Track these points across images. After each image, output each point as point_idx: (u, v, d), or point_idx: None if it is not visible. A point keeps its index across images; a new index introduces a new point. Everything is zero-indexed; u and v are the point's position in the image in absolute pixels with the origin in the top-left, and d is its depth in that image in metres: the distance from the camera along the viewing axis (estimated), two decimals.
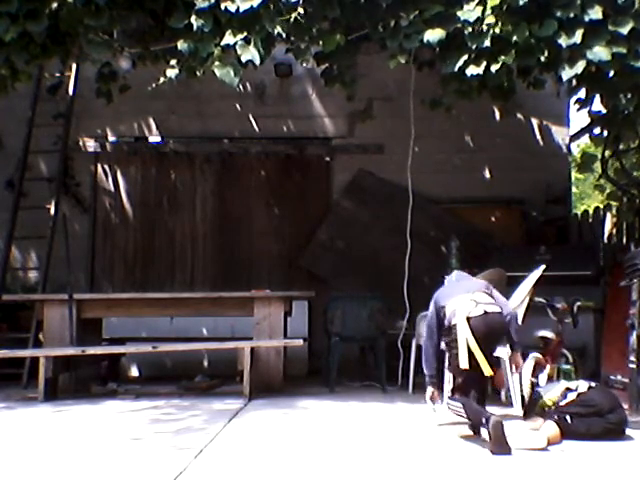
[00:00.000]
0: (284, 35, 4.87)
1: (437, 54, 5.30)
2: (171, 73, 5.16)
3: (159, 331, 7.31)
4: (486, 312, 4.47)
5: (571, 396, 4.43)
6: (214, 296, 6.68)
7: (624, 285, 5.43)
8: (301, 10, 4.82)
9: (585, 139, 7.54)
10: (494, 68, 4.90)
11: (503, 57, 4.85)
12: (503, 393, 5.71)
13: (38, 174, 8.10)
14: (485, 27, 4.79)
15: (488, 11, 4.77)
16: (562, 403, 4.42)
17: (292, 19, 4.82)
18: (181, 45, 5.00)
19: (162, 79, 5.25)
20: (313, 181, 8.58)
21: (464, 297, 4.54)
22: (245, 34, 4.87)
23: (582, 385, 4.51)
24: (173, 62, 5.16)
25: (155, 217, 8.57)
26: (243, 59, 4.88)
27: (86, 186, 8.42)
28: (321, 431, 4.68)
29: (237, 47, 4.87)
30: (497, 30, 4.79)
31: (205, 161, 8.58)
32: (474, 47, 4.87)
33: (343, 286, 7.81)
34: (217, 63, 4.93)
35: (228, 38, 4.89)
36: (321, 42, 5.16)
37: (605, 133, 6.74)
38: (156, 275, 8.44)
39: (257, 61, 4.90)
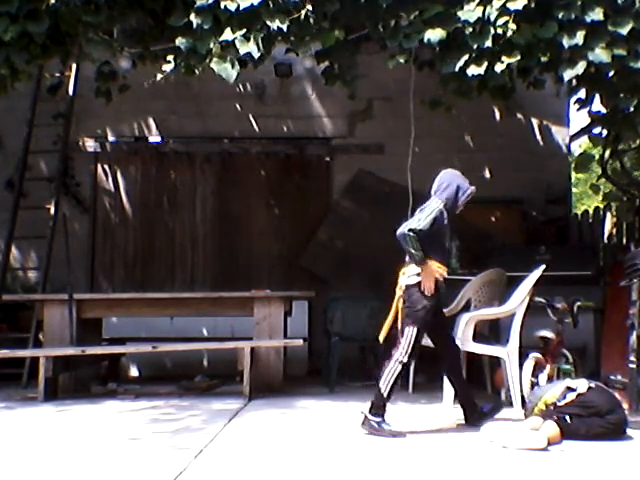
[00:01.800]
0: (285, 29, 4.86)
1: (437, 54, 5.30)
2: (167, 67, 5.15)
3: (159, 331, 7.31)
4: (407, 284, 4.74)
5: (570, 396, 4.43)
6: (214, 296, 6.68)
7: (624, 285, 5.43)
8: (309, 7, 4.82)
9: (586, 139, 7.53)
10: (498, 68, 4.89)
11: (507, 58, 4.84)
12: (503, 393, 5.72)
13: (38, 174, 8.09)
14: (492, 29, 4.78)
15: (495, 12, 4.76)
16: (561, 403, 4.42)
17: (295, 17, 4.82)
18: (179, 41, 5.00)
19: (159, 75, 5.25)
20: (313, 181, 8.57)
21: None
22: (245, 31, 4.88)
23: (582, 385, 4.50)
24: (170, 57, 5.16)
25: (155, 217, 8.56)
26: (241, 52, 4.88)
27: (86, 186, 8.42)
28: (321, 431, 4.68)
29: (236, 42, 4.87)
30: (501, 31, 4.78)
31: (205, 161, 8.58)
32: (475, 47, 4.87)
33: (343, 286, 7.80)
34: (215, 59, 4.93)
35: (227, 34, 4.89)
36: (321, 40, 5.16)
37: (605, 133, 6.74)
38: (156, 275, 8.43)
39: (256, 54, 4.90)
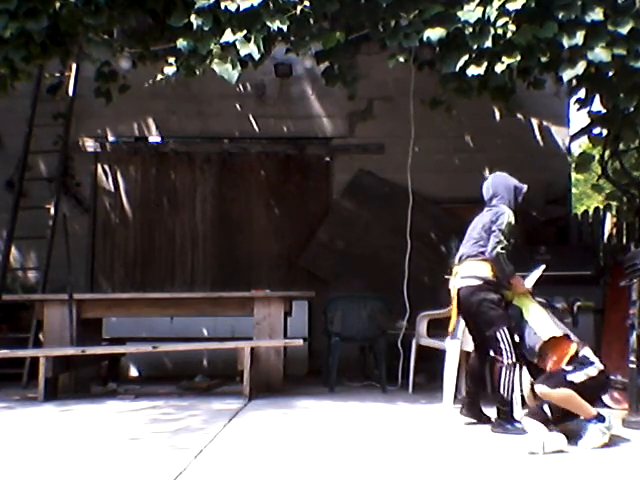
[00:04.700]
0: (285, 29, 4.86)
1: (437, 54, 5.30)
2: (169, 71, 5.17)
3: (159, 331, 7.31)
4: (461, 287, 4.82)
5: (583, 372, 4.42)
6: (214, 296, 6.68)
7: (624, 285, 5.43)
8: (307, 2, 4.82)
9: (586, 139, 7.52)
10: (498, 69, 4.90)
11: (507, 58, 4.84)
12: None
13: (38, 174, 8.10)
14: (492, 29, 4.78)
15: (495, 13, 4.76)
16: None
17: (293, 15, 4.83)
18: (180, 43, 5.01)
19: (159, 76, 5.25)
20: (313, 181, 8.57)
21: (454, 268, 4.94)
22: (245, 32, 4.88)
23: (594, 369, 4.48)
24: (171, 60, 5.17)
25: (155, 217, 8.56)
26: (242, 53, 4.89)
27: (86, 186, 8.41)
28: (321, 431, 4.68)
29: (237, 43, 4.88)
30: (501, 32, 4.78)
31: (205, 161, 8.58)
32: (475, 47, 4.88)
33: (343, 286, 7.80)
34: (216, 60, 4.93)
35: (228, 36, 4.90)
36: (321, 40, 5.16)
37: (605, 133, 6.74)
38: (156, 275, 8.43)
39: (256, 56, 4.90)
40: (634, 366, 5.00)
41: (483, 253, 4.75)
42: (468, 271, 4.81)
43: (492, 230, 4.72)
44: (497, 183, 4.99)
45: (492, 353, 4.73)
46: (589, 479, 3.58)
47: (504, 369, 4.64)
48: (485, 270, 4.75)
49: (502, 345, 4.66)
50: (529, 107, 8.15)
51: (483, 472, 3.66)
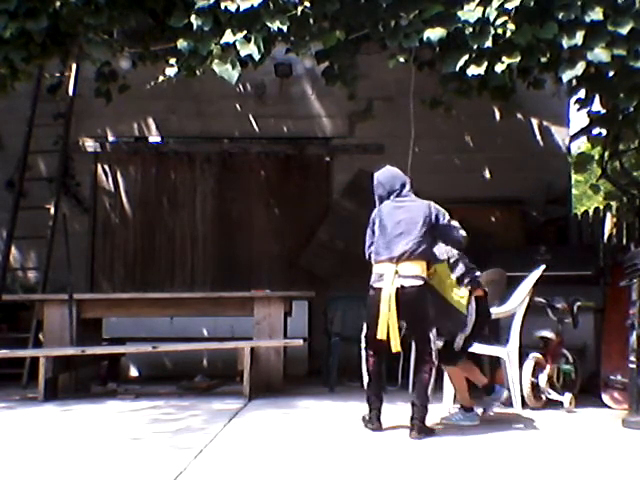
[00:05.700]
0: (285, 29, 4.87)
1: (437, 54, 5.31)
2: (170, 72, 5.17)
3: (159, 331, 7.30)
4: (403, 286, 4.56)
5: None
6: (214, 296, 6.68)
7: (624, 285, 5.44)
8: (307, 3, 4.83)
9: (585, 139, 7.52)
10: (498, 69, 4.90)
11: (507, 58, 4.85)
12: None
13: (38, 174, 8.10)
14: (492, 29, 4.79)
15: (494, 12, 4.76)
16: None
17: (293, 15, 4.84)
18: (180, 44, 5.02)
19: (161, 78, 5.26)
20: (313, 181, 8.58)
21: (389, 267, 4.66)
22: (245, 32, 4.89)
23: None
24: (172, 61, 5.17)
25: (155, 217, 8.56)
26: (242, 54, 4.90)
27: (86, 186, 8.42)
28: (321, 431, 4.69)
29: (237, 44, 4.89)
30: (501, 31, 4.79)
31: (205, 161, 8.58)
32: (475, 47, 4.88)
33: (343, 286, 7.79)
34: (216, 61, 4.94)
35: (228, 36, 4.91)
36: (321, 40, 5.17)
37: (605, 133, 6.74)
38: (156, 275, 8.43)
39: (256, 56, 4.91)
40: (634, 366, 5.00)
41: (424, 252, 4.63)
42: (410, 270, 4.60)
43: (443, 224, 4.76)
44: (397, 174, 5.00)
45: (422, 354, 4.62)
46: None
47: (433, 371, 4.57)
48: (424, 269, 4.62)
49: (432, 346, 4.55)
50: (529, 107, 8.16)
51: (482, 471, 3.66)
